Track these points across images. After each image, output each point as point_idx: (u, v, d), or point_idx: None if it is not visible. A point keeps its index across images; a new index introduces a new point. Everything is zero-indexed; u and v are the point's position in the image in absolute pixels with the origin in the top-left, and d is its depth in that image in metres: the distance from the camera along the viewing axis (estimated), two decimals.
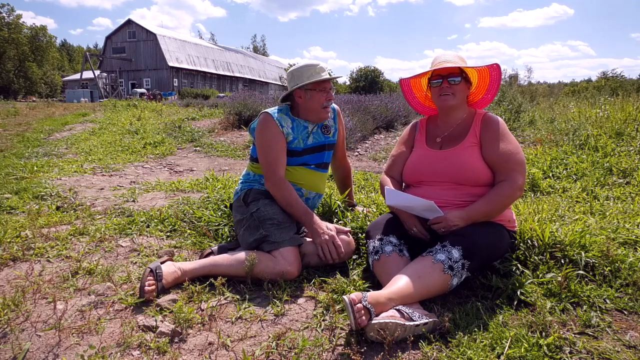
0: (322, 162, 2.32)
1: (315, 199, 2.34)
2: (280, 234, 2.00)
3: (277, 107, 2.26)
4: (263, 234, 2.02)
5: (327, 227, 2.02)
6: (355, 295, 1.45)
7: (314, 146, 2.27)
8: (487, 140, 1.86)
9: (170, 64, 44.84)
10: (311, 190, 2.28)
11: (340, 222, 2.37)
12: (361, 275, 1.96)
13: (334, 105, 2.40)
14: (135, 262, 2.21)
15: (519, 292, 1.67)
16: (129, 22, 46.66)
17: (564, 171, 3.81)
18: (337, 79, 2.32)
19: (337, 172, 2.61)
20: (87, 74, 44.26)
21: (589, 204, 2.85)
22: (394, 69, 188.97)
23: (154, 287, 1.77)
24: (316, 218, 2.06)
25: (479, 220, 1.78)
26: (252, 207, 2.15)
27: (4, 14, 46.72)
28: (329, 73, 2.24)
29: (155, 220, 2.82)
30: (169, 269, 1.87)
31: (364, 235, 2.10)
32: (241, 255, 1.94)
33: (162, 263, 1.88)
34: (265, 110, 2.23)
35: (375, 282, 1.84)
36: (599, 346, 1.39)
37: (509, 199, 1.78)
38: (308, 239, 2.09)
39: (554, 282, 1.71)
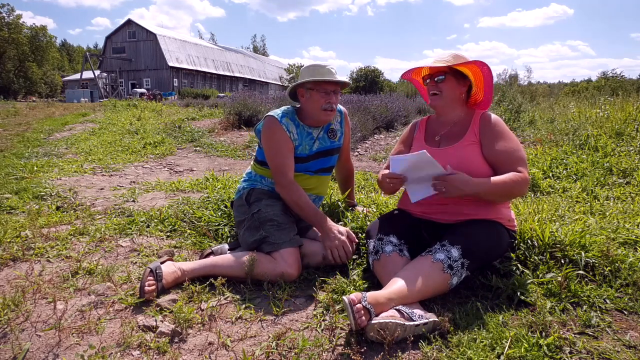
0: (326, 167, 2.30)
1: (315, 201, 2.32)
2: (280, 235, 2.00)
3: (281, 111, 2.20)
4: (263, 235, 2.01)
5: (339, 232, 2.01)
6: (355, 295, 1.45)
7: (319, 151, 2.25)
8: (488, 139, 1.85)
9: (170, 64, 44.84)
10: (311, 194, 2.26)
11: (340, 222, 2.37)
12: (361, 275, 1.96)
13: (341, 107, 2.36)
14: (135, 262, 2.21)
15: (519, 292, 1.67)
16: (129, 22, 46.69)
17: (564, 171, 3.81)
18: (344, 84, 2.19)
19: (340, 172, 2.59)
20: (87, 74, 44.26)
21: (589, 204, 2.85)
22: (393, 69, 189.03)
23: (154, 287, 1.77)
24: (328, 220, 2.04)
25: (480, 196, 1.72)
26: (254, 207, 2.15)
27: (4, 14, 46.80)
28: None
29: (155, 220, 2.82)
30: (169, 269, 1.87)
31: (364, 235, 2.10)
32: (241, 256, 1.94)
33: (162, 263, 1.88)
34: (270, 113, 2.18)
35: (375, 282, 1.84)
36: (599, 346, 1.39)
37: (517, 186, 1.73)
38: (307, 239, 2.08)
39: (554, 282, 1.71)
